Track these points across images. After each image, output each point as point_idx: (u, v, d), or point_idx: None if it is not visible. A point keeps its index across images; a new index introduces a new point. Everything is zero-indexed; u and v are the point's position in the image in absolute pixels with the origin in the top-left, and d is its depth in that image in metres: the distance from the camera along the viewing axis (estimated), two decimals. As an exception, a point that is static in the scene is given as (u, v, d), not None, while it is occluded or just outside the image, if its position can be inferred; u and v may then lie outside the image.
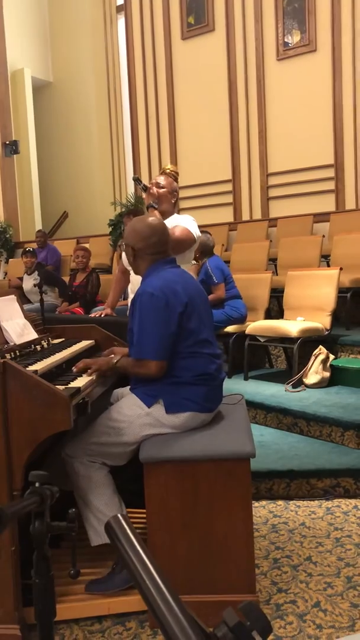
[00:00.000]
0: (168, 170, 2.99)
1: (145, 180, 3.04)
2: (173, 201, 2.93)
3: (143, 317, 2.03)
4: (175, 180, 2.99)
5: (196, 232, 2.87)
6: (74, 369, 2.15)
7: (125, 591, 2.01)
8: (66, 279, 6.57)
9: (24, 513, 0.75)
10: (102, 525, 1.96)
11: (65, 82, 10.81)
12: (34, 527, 0.81)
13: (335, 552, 2.36)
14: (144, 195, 2.89)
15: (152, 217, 2.24)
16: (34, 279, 6.50)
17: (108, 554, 2.18)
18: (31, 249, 6.79)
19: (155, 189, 2.86)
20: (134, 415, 2.05)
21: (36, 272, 6.55)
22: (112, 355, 2.24)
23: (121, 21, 9.42)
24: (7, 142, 9.54)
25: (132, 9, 8.33)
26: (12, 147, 9.54)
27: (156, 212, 2.77)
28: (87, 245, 8.35)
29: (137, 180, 2.84)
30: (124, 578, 1.99)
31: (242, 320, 4.56)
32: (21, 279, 6.85)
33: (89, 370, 2.14)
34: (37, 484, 0.80)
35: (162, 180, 2.89)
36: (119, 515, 0.66)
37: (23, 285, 6.65)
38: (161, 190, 2.86)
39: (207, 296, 2.30)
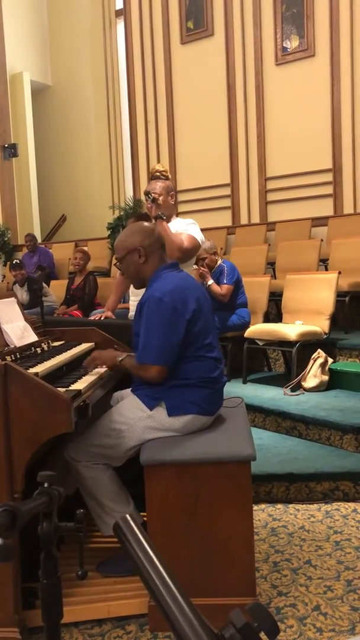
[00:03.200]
0: (157, 174, 2.98)
1: (143, 184, 3.05)
2: (172, 202, 2.94)
3: (149, 321, 2.02)
4: (167, 178, 2.98)
5: (200, 237, 2.88)
6: (85, 364, 2.26)
7: (125, 594, 2.00)
8: (64, 282, 6.57)
9: (34, 513, 0.75)
10: (111, 518, 2.03)
11: (64, 85, 10.83)
12: (42, 527, 0.81)
13: (334, 555, 2.36)
14: (148, 204, 2.87)
15: (145, 222, 2.28)
16: (25, 290, 6.49)
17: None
18: (18, 261, 6.67)
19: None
20: (135, 418, 2.05)
21: (27, 284, 6.53)
22: (119, 352, 2.25)
23: (120, 25, 9.44)
24: (6, 146, 9.55)
25: (132, 13, 8.36)
26: (11, 151, 9.56)
27: (164, 224, 2.77)
28: (85, 249, 8.38)
29: (147, 194, 2.84)
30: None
31: (244, 327, 4.55)
32: (10, 289, 6.81)
33: (93, 363, 2.22)
34: (45, 485, 0.80)
35: (156, 188, 2.89)
36: (127, 515, 0.66)
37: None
38: (160, 198, 2.86)
39: (209, 299, 2.30)
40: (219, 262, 4.68)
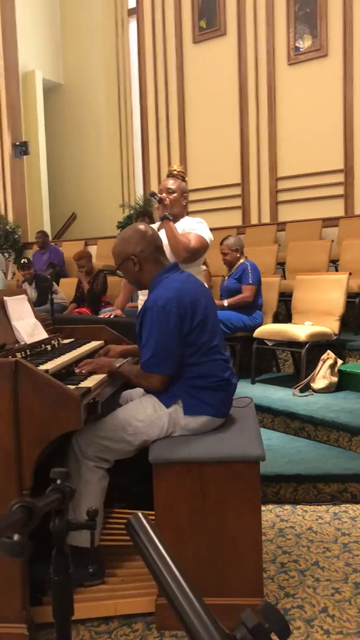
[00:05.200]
0: (175, 172, 2.99)
1: (154, 183, 3.07)
2: (184, 203, 2.94)
3: (153, 330, 1.99)
4: (183, 180, 2.99)
5: (209, 237, 2.87)
6: (77, 370, 2.16)
7: (132, 592, 2.00)
8: (74, 280, 6.59)
9: (49, 509, 0.75)
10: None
11: (76, 84, 10.86)
12: (54, 524, 0.81)
13: (342, 557, 2.34)
14: (156, 205, 2.89)
15: (139, 223, 2.20)
16: (33, 287, 6.52)
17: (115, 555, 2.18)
18: (26, 261, 6.67)
19: (166, 195, 2.86)
20: (153, 416, 2.04)
21: (35, 282, 6.55)
22: (115, 359, 2.24)
23: (132, 24, 9.47)
24: (18, 143, 9.58)
25: (144, 12, 8.36)
26: (22, 148, 9.59)
27: (171, 224, 2.77)
28: (95, 247, 8.40)
29: (153, 194, 2.85)
30: (88, 573, 2.00)
31: (256, 329, 4.50)
32: (20, 287, 6.84)
33: (85, 368, 2.16)
34: (58, 481, 0.80)
35: (171, 184, 2.89)
36: (140, 513, 0.66)
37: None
38: (172, 196, 2.86)
39: (214, 300, 2.29)
40: (242, 260, 4.66)
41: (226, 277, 4.77)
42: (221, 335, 2.19)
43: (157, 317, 1.99)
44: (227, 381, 2.10)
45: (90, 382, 2.01)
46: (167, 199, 2.84)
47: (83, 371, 2.16)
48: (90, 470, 2.03)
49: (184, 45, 8.01)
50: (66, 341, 2.66)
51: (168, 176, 3.00)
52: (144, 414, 2.05)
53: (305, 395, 3.92)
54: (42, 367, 1.96)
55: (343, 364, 4.16)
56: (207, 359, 2.05)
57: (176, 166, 3.06)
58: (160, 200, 2.82)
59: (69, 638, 0.85)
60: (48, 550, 0.88)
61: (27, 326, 2.41)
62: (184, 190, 2.92)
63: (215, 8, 7.64)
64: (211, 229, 2.98)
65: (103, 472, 2.05)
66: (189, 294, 2.05)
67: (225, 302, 4.52)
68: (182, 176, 2.98)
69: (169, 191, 2.87)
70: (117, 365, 2.15)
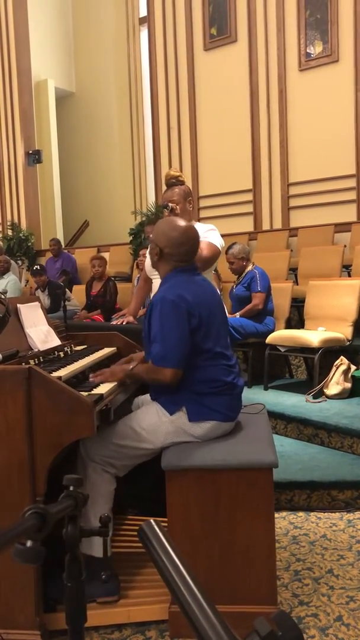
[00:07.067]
0: (173, 181, 2.94)
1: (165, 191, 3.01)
2: (190, 207, 2.91)
3: (163, 323, 1.99)
4: (182, 183, 2.95)
5: (220, 243, 2.86)
6: (91, 378, 2.13)
7: (145, 599, 2.00)
8: (84, 287, 6.62)
9: (62, 516, 0.75)
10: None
11: (88, 92, 10.95)
12: (67, 530, 0.82)
13: (357, 565, 2.32)
14: (166, 213, 2.86)
15: (186, 223, 2.17)
16: (46, 294, 6.56)
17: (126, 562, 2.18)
18: (38, 267, 6.65)
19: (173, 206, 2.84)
20: (157, 423, 2.04)
21: (47, 289, 6.59)
22: (130, 363, 2.24)
23: (144, 32, 9.53)
24: (31, 152, 9.68)
25: (155, 21, 8.42)
26: (35, 157, 9.68)
27: None
28: (107, 254, 8.44)
29: (166, 206, 2.84)
30: (110, 589, 1.99)
31: (267, 335, 4.47)
32: (33, 294, 6.87)
33: (99, 377, 2.13)
34: (71, 488, 0.80)
35: (170, 196, 2.87)
36: (152, 520, 0.66)
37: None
38: (177, 207, 2.85)
39: (223, 305, 2.28)
40: (250, 267, 4.64)
41: (235, 285, 4.76)
42: (227, 341, 2.18)
43: (166, 310, 1.98)
44: (230, 385, 2.08)
45: (103, 389, 2.02)
46: (178, 208, 2.83)
47: (97, 381, 2.16)
48: (96, 473, 2.03)
49: (195, 52, 8.05)
50: (79, 348, 2.67)
51: (167, 186, 2.94)
52: (148, 422, 2.05)
53: (319, 402, 3.90)
54: (55, 374, 1.97)
55: (356, 369, 4.13)
56: (209, 364, 2.04)
57: (172, 171, 2.97)
58: (172, 210, 2.82)
59: (82, 645, 0.85)
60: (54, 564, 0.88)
61: (40, 333, 2.43)
62: (187, 195, 2.88)
63: (226, 15, 7.67)
64: (223, 235, 2.97)
65: (109, 477, 2.05)
66: (198, 296, 2.05)
67: (237, 314, 4.51)
68: (180, 181, 2.93)
69: (173, 203, 2.85)
70: (131, 367, 2.16)
